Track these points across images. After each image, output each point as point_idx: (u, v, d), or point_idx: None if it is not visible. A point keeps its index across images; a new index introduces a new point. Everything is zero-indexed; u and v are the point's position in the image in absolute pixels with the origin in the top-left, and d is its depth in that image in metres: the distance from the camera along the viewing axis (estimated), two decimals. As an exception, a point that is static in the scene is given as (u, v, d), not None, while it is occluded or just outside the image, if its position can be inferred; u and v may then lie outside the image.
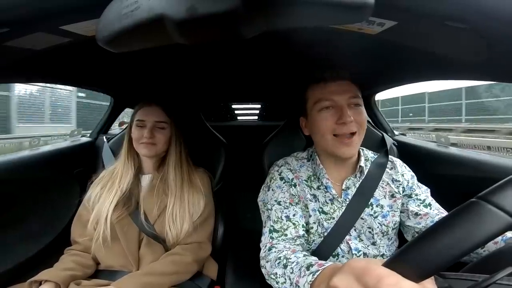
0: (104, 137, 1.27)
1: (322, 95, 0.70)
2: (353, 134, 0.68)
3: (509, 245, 0.53)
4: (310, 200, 0.73)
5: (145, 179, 0.93)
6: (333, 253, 0.71)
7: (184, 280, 0.82)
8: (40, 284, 0.73)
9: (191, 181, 0.93)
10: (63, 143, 1.28)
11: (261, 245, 0.70)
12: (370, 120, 1.37)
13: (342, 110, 0.67)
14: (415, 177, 0.79)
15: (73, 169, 1.21)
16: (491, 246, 0.59)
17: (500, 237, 0.58)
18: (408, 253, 0.30)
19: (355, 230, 0.72)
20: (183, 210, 0.86)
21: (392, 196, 0.75)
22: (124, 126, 1.47)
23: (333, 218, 0.72)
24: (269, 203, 0.74)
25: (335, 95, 0.68)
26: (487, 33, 0.40)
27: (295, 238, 0.68)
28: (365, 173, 0.75)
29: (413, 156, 1.07)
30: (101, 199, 0.86)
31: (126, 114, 1.84)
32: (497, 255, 0.49)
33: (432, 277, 0.31)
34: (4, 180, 0.93)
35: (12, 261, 0.92)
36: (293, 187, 0.75)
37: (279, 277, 0.56)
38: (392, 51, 0.72)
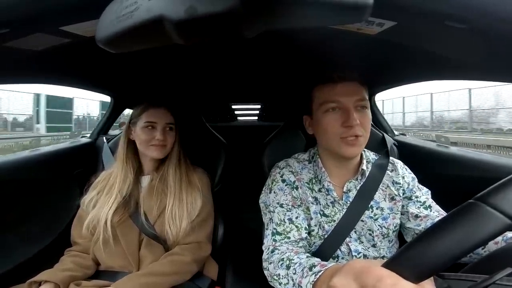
0: (104, 137, 1.27)
1: (329, 97, 0.68)
2: (358, 136, 0.67)
3: (509, 245, 0.53)
4: (312, 203, 0.73)
5: (145, 180, 0.93)
6: (333, 255, 0.71)
7: (184, 280, 0.82)
8: (40, 284, 0.73)
9: (189, 181, 0.93)
10: (64, 144, 1.28)
11: (263, 247, 0.70)
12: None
13: (349, 113, 0.66)
14: (416, 179, 0.78)
15: (73, 170, 1.21)
16: (492, 246, 0.58)
17: (500, 237, 0.58)
18: (406, 254, 0.30)
19: (355, 232, 0.72)
20: (182, 209, 0.86)
21: (392, 198, 0.74)
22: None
23: (334, 221, 0.72)
24: (271, 205, 0.73)
25: (342, 97, 0.67)
26: (487, 33, 0.40)
27: (298, 240, 0.68)
28: (366, 176, 0.75)
29: (413, 156, 1.07)
30: (98, 204, 0.85)
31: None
32: (497, 255, 0.48)
33: (432, 277, 0.31)
34: (4, 181, 0.93)
35: (12, 262, 0.92)
36: (295, 190, 0.74)
37: (282, 278, 0.56)
38: (392, 51, 0.72)
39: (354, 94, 0.67)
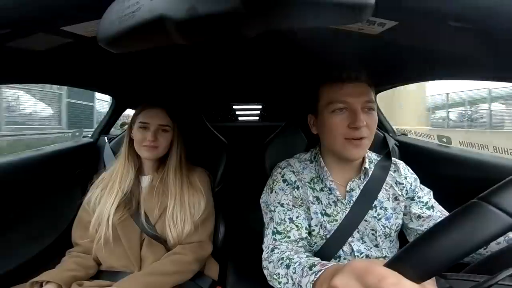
0: (106, 137, 1.27)
1: (337, 97, 0.67)
2: (363, 137, 0.66)
3: (511, 245, 0.53)
4: (312, 203, 0.73)
5: (145, 180, 0.93)
6: (335, 255, 0.71)
7: (186, 280, 0.82)
8: (42, 285, 0.73)
9: (190, 182, 0.93)
10: (65, 144, 1.29)
11: (263, 246, 0.70)
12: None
13: (356, 114, 0.64)
14: (418, 180, 0.78)
15: (74, 169, 1.21)
16: (493, 247, 0.58)
17: (502, 238, 0.58)
18: (409, 254, 0.30)
19: (358, 232, 0.72)
20: (184, 211, 0.86)
21: (396, 198, 0.74)
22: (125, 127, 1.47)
23: (336, 220, 0.71)
24: (272, 205, 0.73)
25: (350, 98, 0.65)
26: (490, 33, 0.40)
27: (298, 240, 0.68)
28: (369, 175, 0.74)
29: (415, 156, 1.06)
30: (102, 201, 0.86)
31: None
32: (499, 255, 0.48)
33: (434, 277, 0.31)
34: (6, 181, 0.93)
35: (14, 262, 0.93)
36: (295, 190, 0.74)
37: (281, 277, 0.56)
38: (394, 51, 0.72)
39: (362, 95, 0.66)
